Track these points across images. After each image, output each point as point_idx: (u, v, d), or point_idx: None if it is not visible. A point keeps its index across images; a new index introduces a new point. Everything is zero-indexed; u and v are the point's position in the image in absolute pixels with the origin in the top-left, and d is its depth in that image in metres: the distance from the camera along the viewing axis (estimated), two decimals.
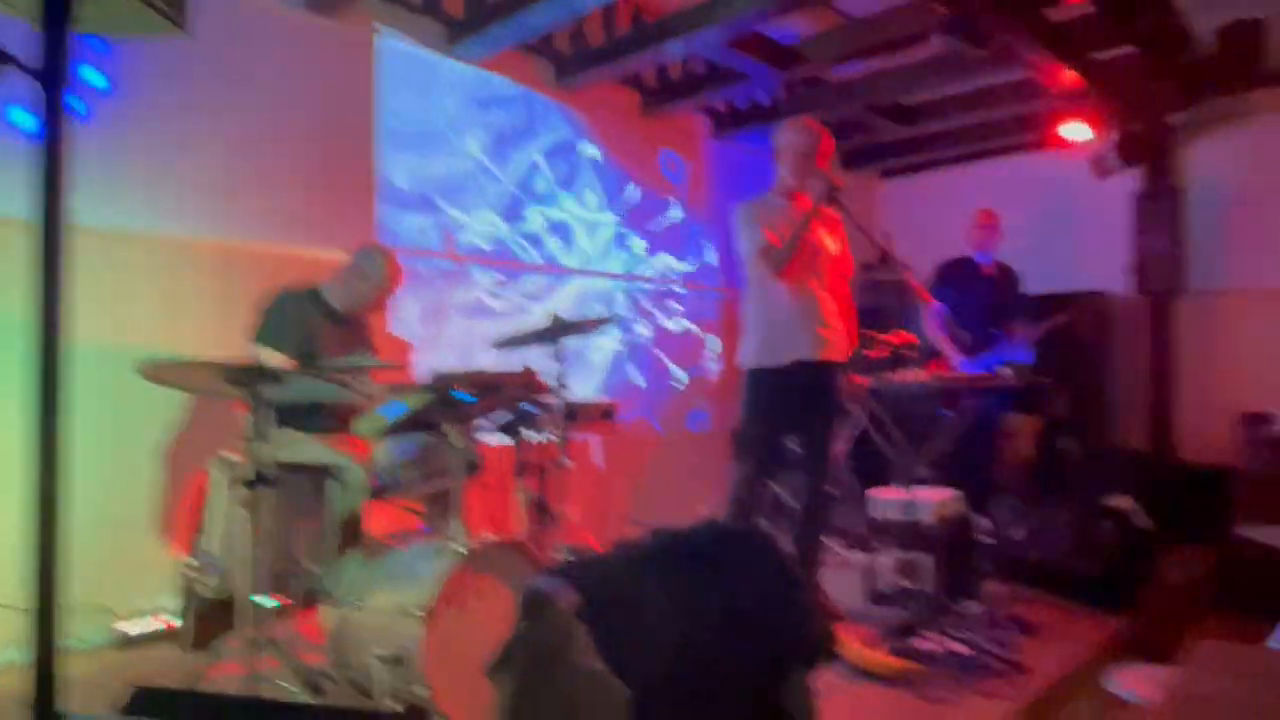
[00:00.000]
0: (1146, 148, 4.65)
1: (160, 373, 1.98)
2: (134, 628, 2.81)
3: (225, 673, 2.15)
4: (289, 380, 1.99)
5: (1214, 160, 4.92)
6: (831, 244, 3.03)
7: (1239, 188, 4.84)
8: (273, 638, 2.08)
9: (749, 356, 2.98)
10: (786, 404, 2.93)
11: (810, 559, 3.04)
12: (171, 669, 2.39)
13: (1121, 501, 3.74)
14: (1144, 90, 4.47)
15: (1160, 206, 4.88)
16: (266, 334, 2.65)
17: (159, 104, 3.01)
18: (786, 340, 2.91)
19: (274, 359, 2.56)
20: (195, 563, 2.15)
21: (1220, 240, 4.90)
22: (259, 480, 1.97)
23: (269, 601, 2.15)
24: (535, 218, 4.30)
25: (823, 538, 3.14)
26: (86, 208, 2.49)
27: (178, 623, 2.33)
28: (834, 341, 2.96)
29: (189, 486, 2.71)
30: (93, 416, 2.38)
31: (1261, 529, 3.22)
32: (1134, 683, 1.81)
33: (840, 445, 3.24)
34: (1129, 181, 4.92)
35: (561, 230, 4.42)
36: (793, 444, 3.10)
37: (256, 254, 3.24)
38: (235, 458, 2.21)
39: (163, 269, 3.04)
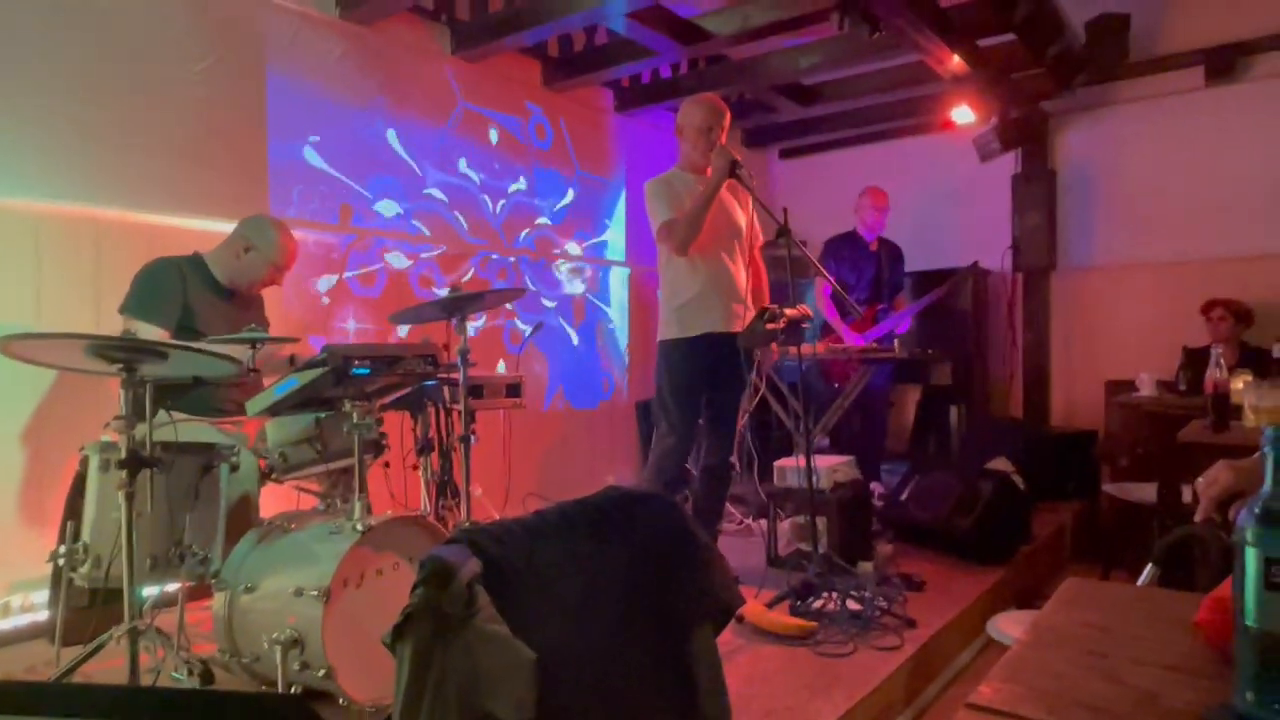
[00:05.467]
0: (1023, 132, 4.91)
1: (21, 348, 1.82)
2: (1, 624, 2.60)
3: (105, 667, 2.02)
4: (167, 355, 1.86)
5: (1083, 145, 5.25)
6: (741, 217, 3.08)
7: (1105, 171, 5.18)
8: (158, 628, 1.97)
9: (664, 328, 3.03)
10: (698, 374, 2.99)
11: (711, 526, 3.10)
12: (44, 666, 2.23)
13: (1000, 464, 3.98)
14: (1020, 77, 4.71)
15: (1035, 188, 5.19)
16: (139, 305, 2.47)
17: (9, 55, 2.75)
18: (699, 314, 2.96)
19: (150, 332, 2.40)
20: (65, 551, 2.00)
21: (1089, 220, 5.24)
22: (135, 462, 1.84)
23: (150, 590, 2.04)
24: (436, 191, 4.17)
25: (724, 505, 3.21)
26: None
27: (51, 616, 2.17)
28: (745, 315, 3.02)
29: (61, 472, 2.52)
30: None
31: (1122, 486, 3.48)
32: (1010, 627, 1.94)
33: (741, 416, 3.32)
34: (1010, 164, 5.20)
35: (464, 205, 4.31)
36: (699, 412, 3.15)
37: (131, 225, 3.01)
38: (113, 439, 2.06)
39: (22, 239, 2.78)
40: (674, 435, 2.98)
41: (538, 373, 4.70)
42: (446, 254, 4.23)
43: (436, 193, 4.18)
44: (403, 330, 3.90)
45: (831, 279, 3.67)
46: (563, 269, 4.90)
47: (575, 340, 4.98)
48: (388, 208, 3.95)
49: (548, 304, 4.81)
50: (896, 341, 4.11)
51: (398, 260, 4.00)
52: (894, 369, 4.58)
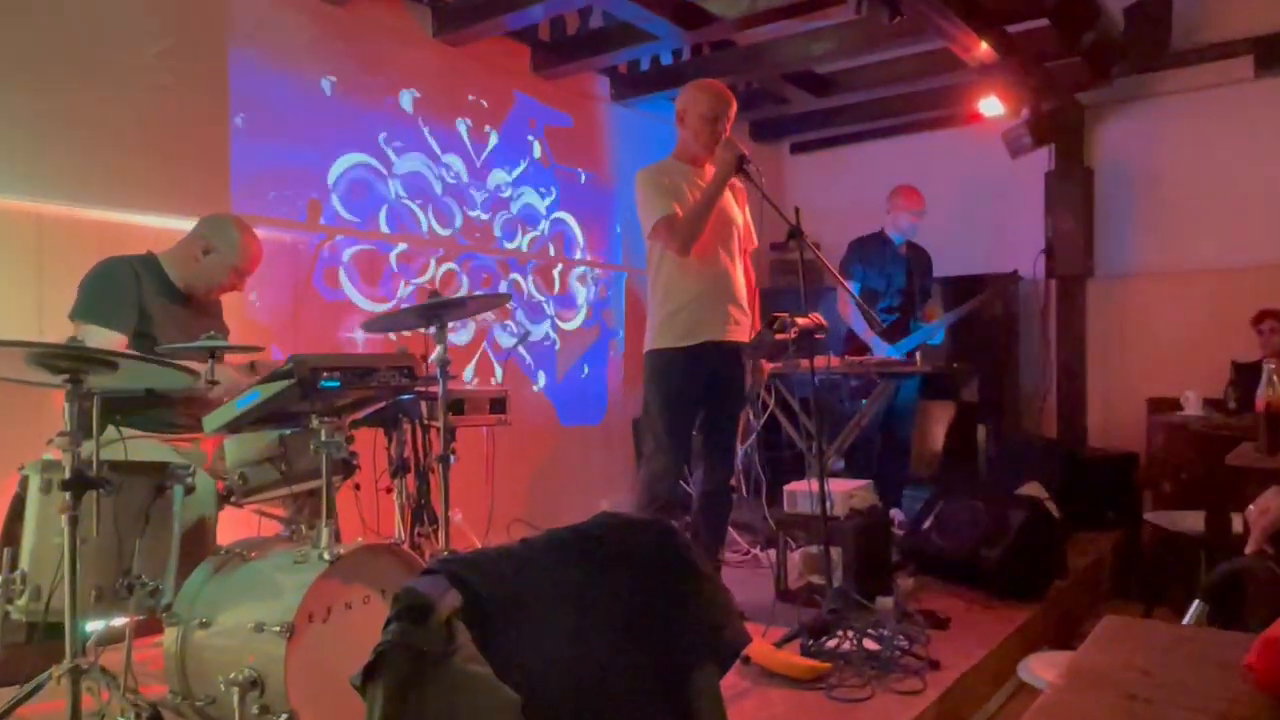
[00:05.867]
0: (1057, 126, 4.94)
1: None
2: None
3: (43, 709, 2.01)
4: (118, 365, 1.86)
5: (1122, 140, 5.28)
6: (738, 214, 3.08)
7: (1145, 169, 5.21)
8: (102, 667, 1.96)
9: (655, 336, 2.98)
10: (693, 388, 2.95)
11: (712, 555, 3.09)
12: None
13: (1032, 489, 3.99)
14: (1054, 66, 4.75)
15: (1070, 187, 5.20)
16: (91, 309, 2.47)
17: None
18: (697, 319, 2.91)
19: (106, 339, 2.39)
20: (1, 581, 1.99)
21: (1128, 222, 5.26)
22: (80, 482, 1.83)
23: (95, 624, 2.03)
24: (416, 187, 4.18)
25: (725, 532, 3.20)
26: None
27: None
28: (743, 322, 3.00)
29: None
30: None
31: (1166, 514, 3.49)
32: (1043, 669, 1.93)
33: (742, 435, 3.30)
34: (1043, 161, 5.23)
35: (445, 201, 4.32)
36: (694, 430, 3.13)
37: (77, 221, 3.01)
38: (56, 458, 2.06)
39: None
40: (663, 455, 2.94)
41: (538, 388, 4.71)
42: (424, 254, 4.23)
43: (415, 187, 4.19)
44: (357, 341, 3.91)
45: (846, 285, 3.67)
46: (559, 273, 4.91)
47: (567, 351, 4.99)
48: (362, 204, 3.96)
49: (534, 310, 4.82)
50: (918, 354, 4.11)
51: (372, 261, 4.01)
52: (920, 384, 4.56)
